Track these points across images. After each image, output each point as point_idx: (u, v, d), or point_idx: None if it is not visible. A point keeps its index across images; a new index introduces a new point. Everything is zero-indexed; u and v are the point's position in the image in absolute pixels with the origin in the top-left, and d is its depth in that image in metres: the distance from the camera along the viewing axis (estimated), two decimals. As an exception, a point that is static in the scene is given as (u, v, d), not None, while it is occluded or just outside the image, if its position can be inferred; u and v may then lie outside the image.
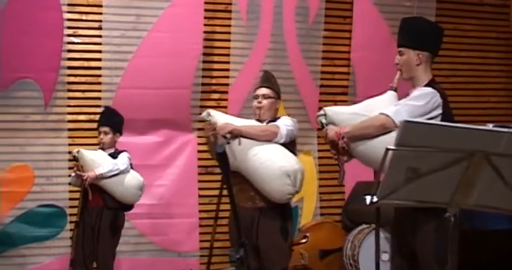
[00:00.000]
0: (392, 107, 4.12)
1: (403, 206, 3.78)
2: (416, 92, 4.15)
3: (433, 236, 4.00)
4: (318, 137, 8.24)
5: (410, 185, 3.19)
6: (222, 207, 7.74)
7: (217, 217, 5.40)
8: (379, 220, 4.59)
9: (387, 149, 3.04)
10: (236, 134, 5.13)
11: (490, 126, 3.86)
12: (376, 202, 3.26)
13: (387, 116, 4.04)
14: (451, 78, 8.49)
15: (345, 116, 4.30)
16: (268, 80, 5.63)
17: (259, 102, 5.45)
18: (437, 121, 3.98)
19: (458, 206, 3.26)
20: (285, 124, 5.31)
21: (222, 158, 3.57)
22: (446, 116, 4.06)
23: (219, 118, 5.34)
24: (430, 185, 3.23)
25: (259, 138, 5.20)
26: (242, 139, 5.15)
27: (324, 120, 4.29)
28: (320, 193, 8.33)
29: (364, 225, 7.49)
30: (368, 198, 3.47)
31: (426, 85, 4.17)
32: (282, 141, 5.23)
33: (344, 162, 4.26)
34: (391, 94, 4.33)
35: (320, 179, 8.34)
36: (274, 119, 5.44)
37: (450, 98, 4.23)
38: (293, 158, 5.23)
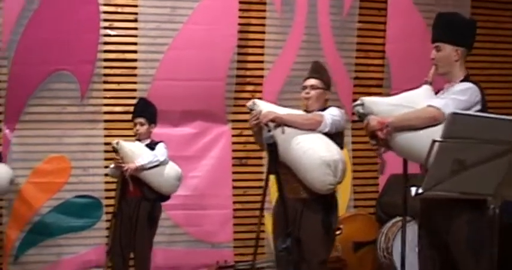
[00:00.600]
0: (440, 100, 4.12)
1: (434, 198, 3.77)
2: (458, 87, 4.16)
3: (467, 228, 4.01)
4: (352, 129, 8.26)
5: (455, 177, 3.22)
6: (254, 198, 7.89)
7: (263, 208, 5.22)
8: (406, 212, 4.73)
9: (434, 141, 3.06)
10: (279, 123, 5.09)
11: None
12: (421, 193, 3.29)
13: (438, 108, 4.03)
14: (487, 71, 8.48)
15: (386, 107, 4.25)
16: (317, 70, 5.56)
17: (307, 93, 5.37)
18: None
19: (503, 197, 3.30)
20: (332, 114, 5.24)
21: (272, 149, 3.60)
22: (483, 112, 4.05)
23: (265, 107, 5.28)
24: (475, 177, 3.25)
25: (302, 127, 5.12)
26: (286, 128, 5.10)
27: (361, 110, 4.25)
28: (354, 185, 8.35)
29: (398, 218, 7.38)
30: (413, 190, 3.54)
31: (463, 80, 4.19)
32: (326, 130, 5.14)
33: (381, 154, 4.24)
34: (427, 88, 4.33)
35: (354, 171, 8.34)
36: (322, 110, 5.34)
37: (485, 91, 4.26)
38: (335, 148, 5.14)
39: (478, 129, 3.15)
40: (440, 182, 3.26)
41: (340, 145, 5.23)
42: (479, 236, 3.99)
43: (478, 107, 4.08)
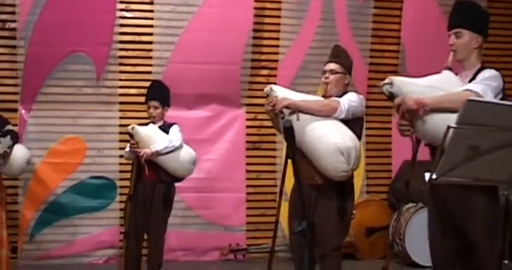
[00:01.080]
0: (478, 85, 4.07)
1: (448, 184, 3.72)
2: (487, 73, 4.15)
3: (485, 214, 4.03)
4: (366, 115, 8.00)
5: (470, 163, 3.23)
6: (267, 183, 7.91)
7: (281, 192, 5.08)
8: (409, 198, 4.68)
9: (448, 127, 3.09)
10: (294, 109, 5.03)
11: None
12: (435, 179, 3.30)
13: (477, 93, 3.98)
14: (503, 58, 8.44)
15: (417, 87, 4.19)
16: (337, 54, 5.48)
17: (326, 78, 5.28)
18: None
19: None
20: (349, 99, 5.16)
21: (289, 133, 3.65)
22: (504, 99, 4.09)
23: (281, 93, 5.22)
24: (490, 164, 3.26)
25: (318, 113, 5.04)
26: (300, 114, 5.03)
27: (390, 89, 4.20)
28: (367, 171, 8.35)
29: (411, 204, 7.47)
30: (427, 175, 3.53)
31: (481, 68, 4.22)
32: (342, 116, 5.05)
33: (411, 135, 4.24)
34: (448, 73, 4.31)
35: (367, 157, 8.31)
36: (342, 95, 5.27)
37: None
38: (349, 134, 5.07)
39: (492, 116, 3.16)
40: (455, 167, 3.26)
41: (357, 132, 5.20)
42: (494, 220, 4.02)
43: (501, 95, 4.11)
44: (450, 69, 4.28)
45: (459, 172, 3.27)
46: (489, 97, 3.94)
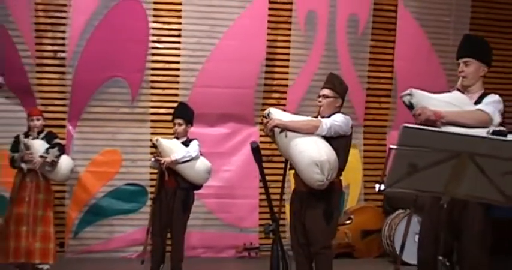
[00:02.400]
0: (488, 106, 4.32)
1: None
2: (492, 98, 4.41)
3: (480, 226, 4.32)
4: (364, 132, 8.81)
5: (410, 177, 3.43)
6: (278, 191, 8.20)
7: (282, 198, 5.64)
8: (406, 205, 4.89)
9: (390, 149, 3.32)
10: (282, 128, 5.30)
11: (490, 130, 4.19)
12: (383, 190, 3.53)
13: (488, 114, 4.25)
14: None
15: (436, 101, 4.39)
16: (330, 81, 5.75)
17: (320, 102, 5.59)
18: (498, 126, 4.32)
19: (451, 195, 3.53)
20: (334, 119, 5.40)
21: (255, 153, 3.88)
22: (502, 121, 4.42)
23: (276, 115, 5.46)
24: (427, 178, 3.45)
25: (301, 131, 5.30)
26: (288, 132, 5.30)
27: (412, 100, 4.37)
28: (364, 181, 8.79)
29: (401, 210, 7.97)
30: (377, 186, 3.67)
31: (485, 93, 4.48)
32: (323, 134, 5.33)
33: None
34: (461, 93, 4.51)
35: (365, 169, 8.81)
36: (329, 115, 5.51)
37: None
38: (326, 150, 5.27)
39: (428, 139, 3.35)
40: (398, 181, 3.45)
41: (341, 148, 5.37)
42: (486, 232, 4.36)
43: (501, 117, 4.40)
44: (460, 90, 4.55)
45: (402, 184, 3.48)
46: (497, 117, 4.25)
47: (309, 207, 5.42)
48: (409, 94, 4.36)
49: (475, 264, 4.36)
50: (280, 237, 4.13)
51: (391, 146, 3.38)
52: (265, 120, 5.44)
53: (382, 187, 3.54)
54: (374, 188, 7.53)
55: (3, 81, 4.29)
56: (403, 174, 3.41)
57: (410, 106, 4.33)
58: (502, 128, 4.10)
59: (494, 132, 3.91)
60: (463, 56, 4.54)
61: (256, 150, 3.87)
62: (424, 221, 4.61)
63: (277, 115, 5.47)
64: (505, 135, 3.81)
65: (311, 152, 5.18)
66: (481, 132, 4.04)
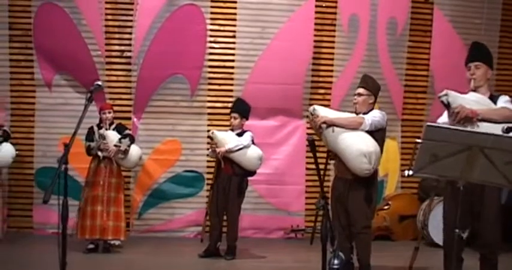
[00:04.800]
0: (509, 104, 4.67)
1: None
2: (505, 98, 4.76)
3: (496, 205, 4.71)
4: (402, 126, 9.11)
5: (432, 165, 3.89)
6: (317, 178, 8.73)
7: (322, 185, 5.51)
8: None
9: (416, 142, 3.93)
10: (329, 124, 5.67)
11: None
12: (411, 175, 4.10)
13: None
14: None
15: (468, 101, 4.69)
16: (363, 81, 6.10)
17: (355, 99, 6.00)
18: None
19: (466, 179, 3.99)
20: (373, 115, 5.76)
21: (311, 146, 4.40)
22: None
23: (321, 112, 5.82)
24: (446, 165, 3.89)
25: (347, 127, 5.67)
26: (335, 128, 5.68)
27: (449, 99, 4.63)
28: (402, 170, 9.01)
29: (436, 197, 7.96)
30: (406, 172, 4.29)
31: (492, 94, 4.84)
32: (366, 129, 5.68)
33: None
34: (478, 94, 4.81)
35: (402, 159, 9.07)
36: (367, 112, 5.87)
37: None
38: (371, 142, 5.62)
39: (446, 135, 3.81)
40: (422, 168, 3.93)
41: (379, 139, 5.75)
42: (499, 210, 4.72)
43: None
44: (474, 91, 4.85)
45: (426, 171, 3.97)
46: None
47: (352, 192, 5.81)
48: (446, 94, 4.66)
49: (490, 241, 4.74)
50: (328, 211, 4.45)
51: (417, 140, 4.09)
52: (311, 117, 5.79)
53: (411, 172, 4.07)
54: (410, 177, 7.55)
55: (102, 84, 4.87)
56: (427, 162, 3.90)
57: (448, 105, 4.62)
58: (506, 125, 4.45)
59: (508, 129, 4.37)
60: (474, 60, 4.87)
61: (311, 143, 4.41)
62: (448, 205, 4.95)
63: (322, 112, 5.84)
64: None
65: (359, 145, 5.59)
66: (497, 127, 4.52)
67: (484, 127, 4.46)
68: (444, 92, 4.70)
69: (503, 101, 4.74)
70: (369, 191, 5.87)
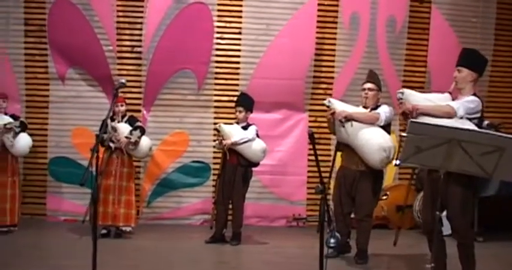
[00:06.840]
0: (456, 103, 4.90)
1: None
2: (469, 98, 4.95)
3: (461, 194, 4.91)
4: (399, 119, 8.87)
5: (416, 155, 4.29)
6: (323, 169, 7.83)
7: (331, 176, 6.17)
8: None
9: (400, 136, 4.17)
10: (349, 118, 5.93)
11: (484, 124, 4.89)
12: (398, 164, 4.54)
13: (453, 108, 4.85)
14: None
15: (418, 98, 5.05)
16: (372, 76, 6.34)
17: (366, 94, 6.20)
18: (475, 121, 4.91)
19: (446, 169, 4.37)
20: (385, 111, 6.08)
21: (311, 138, 4.66)
22: (480, 118, 5.02)
23: (337, 105, 6.10)
24: (428, 156, 4.25)
25: (365, 122, 5.95)
26: (354, 122, 5.96)
27: (401, 96, 5.01)
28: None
29: None
30: (394, 162, 4.62)
31: (472, 95, 5.04)
32: (382, 124, 6.01)
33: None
34: (447, 95, 5.15)
35: (399, 152, 8.69)
36: (376, 107, 6.13)
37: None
38: (389, 137, 5.95)
39: (428, 130, 4.19)
40: (408, 158, 4.34)
41: (389, 132, 6.12)
42: (467, 200, 4.97)
43: (478, 115, 4.96)
44: (450, 93, 5.16)
45: (411, 161, 4.41)
46: (460, 111, 4.85)
47: (362, 183, 6.08)
48: (401, 92, 5.08)
49: (458, 227, 5.01)
50: (327, 195, 4.67)
51: (402, 134, 4.26)
52: (330, 110, 5.98)
53: (398, 162, 4.47)
54: (407, 168, 8.10)
55: (125, 82, 5.15)
56: (411, 153, 4.28)
57: (400, 101, 5.07)
58: (487, 122, 4.74)
59: (488, 125, 4.77)
60: (457, 65, 5.17)
61: (311, 135, 4.69)
62: (424, 190, 5.24)
63: (338, 105, 6.07)
64: (496, 127, 4.90)
65: (378, 140, 5.87)
66: (468, 123, 4.83)
67: (423, 120, 4.75)
68: (401, 90, 5.09)
69: (460, 100, 5.00)
70: (377, 183, 6.17)
